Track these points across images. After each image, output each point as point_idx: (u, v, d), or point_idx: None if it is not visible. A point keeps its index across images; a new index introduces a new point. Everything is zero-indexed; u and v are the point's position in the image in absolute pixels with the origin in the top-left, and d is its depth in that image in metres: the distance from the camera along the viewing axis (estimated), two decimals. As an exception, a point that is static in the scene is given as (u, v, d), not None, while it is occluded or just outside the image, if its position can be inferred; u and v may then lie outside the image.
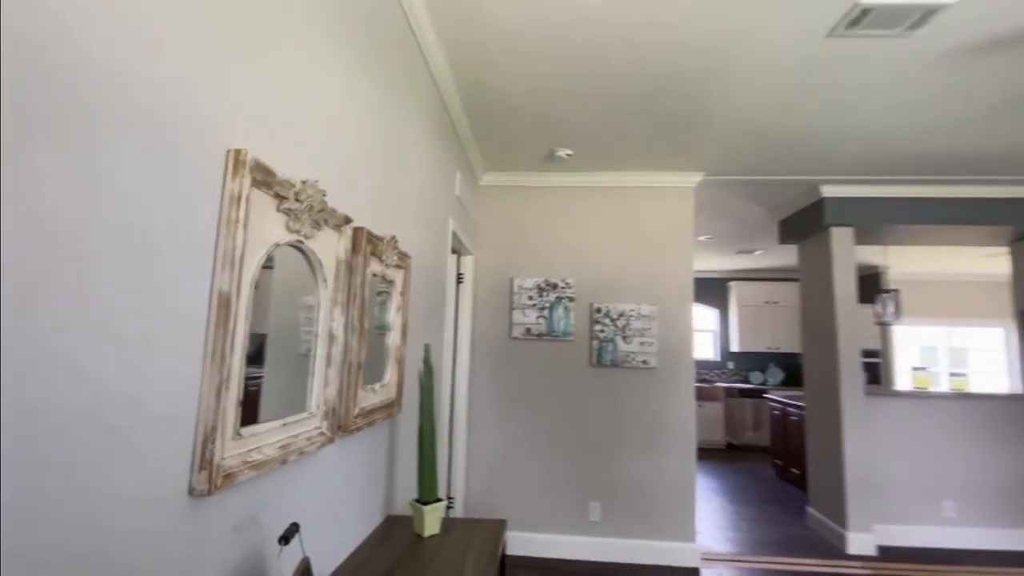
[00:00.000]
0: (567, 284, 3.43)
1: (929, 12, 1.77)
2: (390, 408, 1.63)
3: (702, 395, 6.85)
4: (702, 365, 7.58)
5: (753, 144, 2.96)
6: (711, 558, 3.27)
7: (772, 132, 2.79)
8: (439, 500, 1.59)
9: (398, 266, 1.70)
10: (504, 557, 1.66)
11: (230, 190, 0.77)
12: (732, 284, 7.45)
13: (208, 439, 0.71)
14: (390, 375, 1.68)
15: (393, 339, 1.71)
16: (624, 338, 3.36)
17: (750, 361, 7.53)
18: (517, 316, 3.43)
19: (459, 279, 3.38)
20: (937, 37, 1.93)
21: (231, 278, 0.77)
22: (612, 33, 1.94)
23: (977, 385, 7.24)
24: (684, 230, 3.46)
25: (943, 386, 6.91)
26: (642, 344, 3.34)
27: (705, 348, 7.70)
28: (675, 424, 3.30)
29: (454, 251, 3.20)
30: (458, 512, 3.17)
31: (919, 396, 3.77)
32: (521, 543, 3.23)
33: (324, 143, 1.16)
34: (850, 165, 3.24)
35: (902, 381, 6.78)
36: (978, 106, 2.45)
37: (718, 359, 7.60)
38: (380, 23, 1.51)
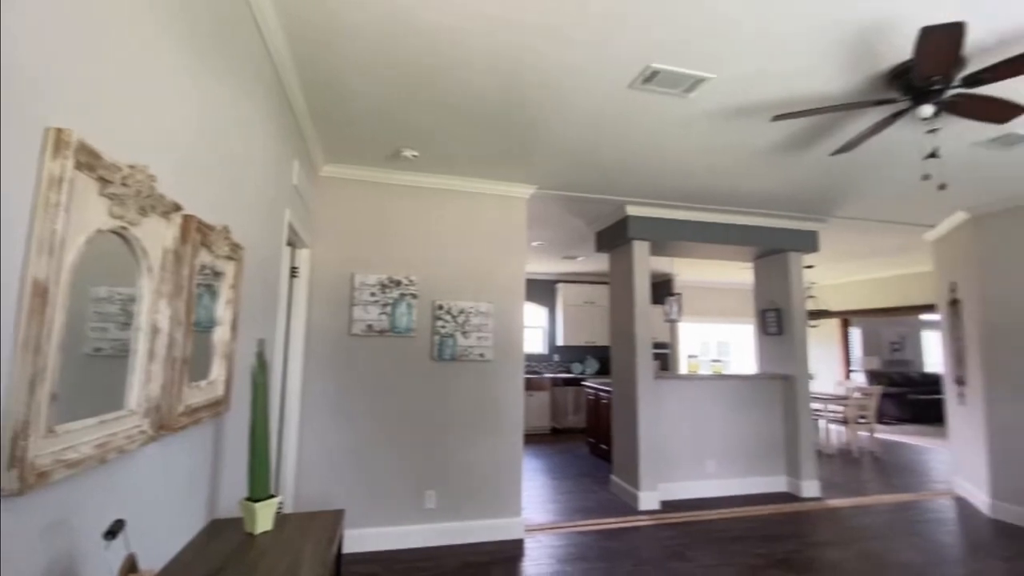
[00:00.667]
0: (411, 282, 3.51)
1: (697, 81, 2.30)
2: (217, 406, 1.56)
3: (531, 385, 7.50)
4: (532, 358, 8.28)
5: (575, 167, 3.42)
6: (534, 528, 3.67)
7: (590, 159, 3.27)
8: (272, 496, 1.57)
9: (229, 257, 1.62)
10: (341, 545, 1.70)
11: (49, 172, 0.72)
12: (559, 285, 8.30)
13: (19, 435, 0.67)
14: (217, 372, 1.59)
15: (222, 334, 1.62)
16: (463, 333, 3.57)
17: (572, 354, 8.48)
18: (358, 312, 3.40)
19: (294, 273, 3.23)
20: (705, 101, 2.51)
21: (48, 265, 0.72)
22: (459, 53, 2.11)
23: (733, 369, 9.28)
24: (518, 235, 3.81)
25: (708, 370, 8.68)
26: (480, 339, 3.60)
27: (535, 343, 8.43)
28: (506, 412, 3.62)
29: (290, 243, 3.05)
30: (288, 516, 3.03)
31: (692, 378, 4.73)
32: (359, 539, 3.22)
33: (156, 125, 1.09)
34: (648, 191, 3.94)
35: (683, 367, 8.32)
36: (735, 156, 3.21)
37: (546, 352, 8.39)
38: (218, 6, 1.44)
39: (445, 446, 3.47)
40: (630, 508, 4.15)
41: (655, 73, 2.22)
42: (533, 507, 4.16)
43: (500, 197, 3.80)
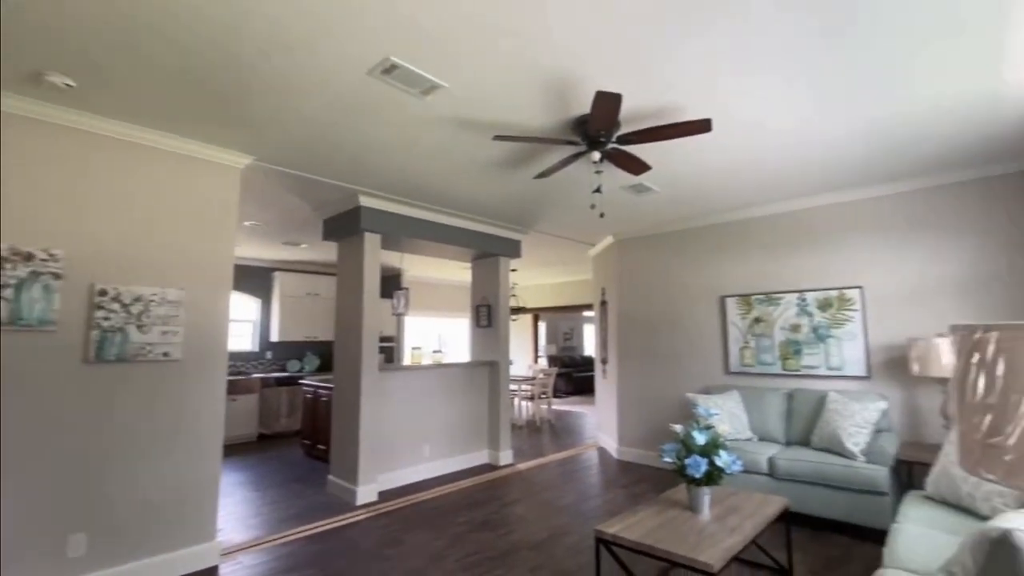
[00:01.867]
0: (51, 256, 2.58)
1: (433, 86, 2.41)
2: None
3: (236, 388, 6.52)
4: (239, 357, 7.22)
5: (304, 143, 3.13)
6: (230, 551, 3.19)
7: (324, 139, 3.04)
8: None
9: None
10: None
11: None
12: (277, 274, 7.47)
13: None
14: None
15: None
16: (140, 327, 2.83)
17: (289, 350, 7.75)
18: (-54, 296, 2.30)
19: None
20: (440, 107, 2.64)
21: None
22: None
23: (451, 358, 10.14)
24: (227, 211, 3.25)
25: (429, 360, 9.26)
26: (164, 334, 2.91)
27: (243, 339, 7.37)
28: (198, 422, 3.04)
29: None
30: None
31: (414, 369, 4.94)
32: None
33: None
34: (383, 184, 3.92)
35: (407, 359, 8.63)
36: (462, 165, 3.48)
37: (256, 350, 7.43)
38: None
39: (106, 473, 2.68)
40: (348, 505, 4.04)
41: (394, 67, 2.22)
42: (232, 527, 3.61)
43: (202, 161, 3.16)
